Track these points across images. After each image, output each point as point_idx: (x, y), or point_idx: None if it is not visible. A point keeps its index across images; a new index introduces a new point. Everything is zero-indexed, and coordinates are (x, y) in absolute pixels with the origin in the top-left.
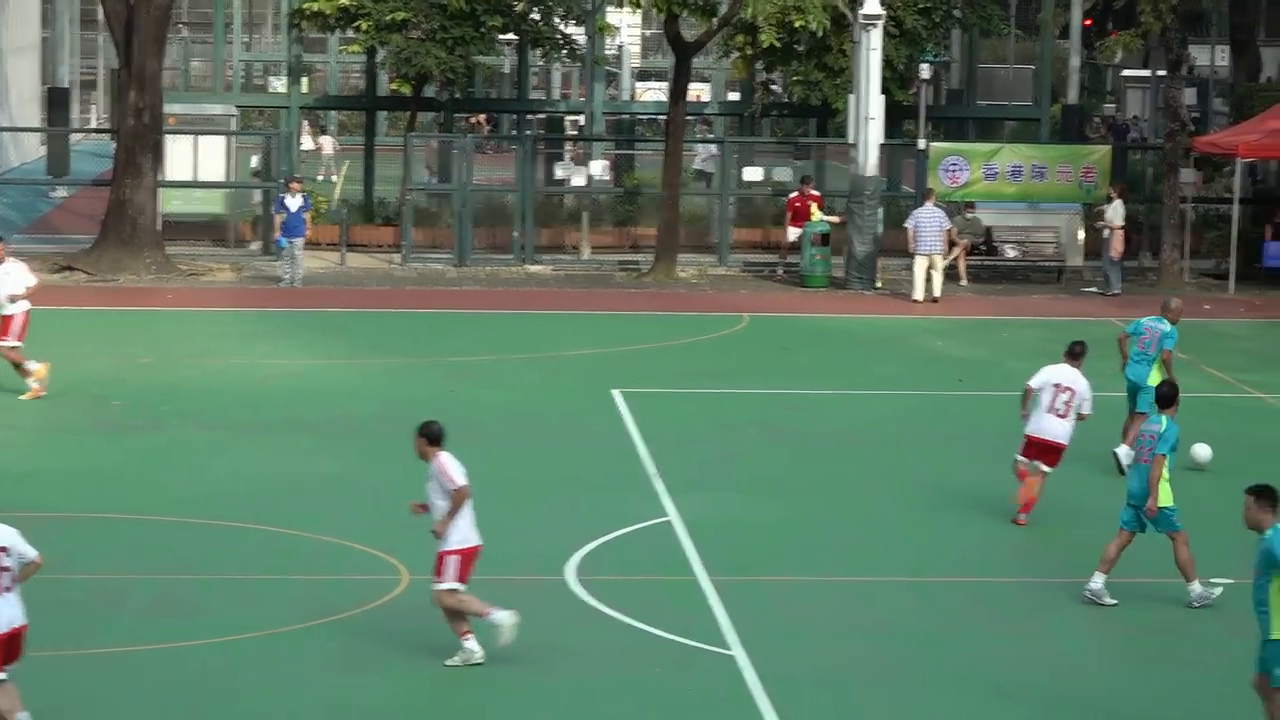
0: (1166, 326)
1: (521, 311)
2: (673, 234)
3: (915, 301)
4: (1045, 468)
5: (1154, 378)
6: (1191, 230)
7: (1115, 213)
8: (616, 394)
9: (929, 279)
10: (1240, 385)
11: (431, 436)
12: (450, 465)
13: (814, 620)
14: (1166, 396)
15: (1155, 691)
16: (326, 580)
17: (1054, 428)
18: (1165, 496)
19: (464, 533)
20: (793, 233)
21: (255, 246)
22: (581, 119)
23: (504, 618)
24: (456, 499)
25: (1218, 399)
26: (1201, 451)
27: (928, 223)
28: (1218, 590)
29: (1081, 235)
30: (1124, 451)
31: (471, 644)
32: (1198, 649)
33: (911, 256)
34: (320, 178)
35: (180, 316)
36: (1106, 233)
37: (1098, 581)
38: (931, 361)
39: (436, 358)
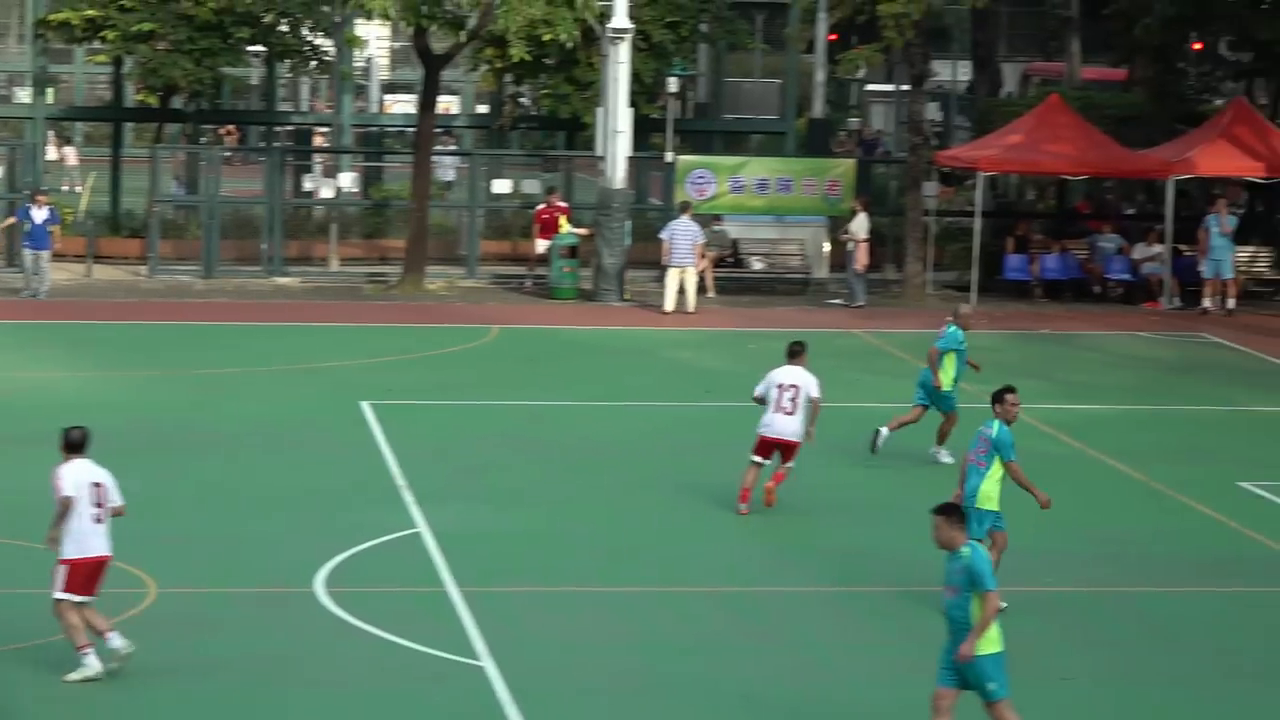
0: (951, 329)
1: (270, 324)
2: (421, 246)
3: (665, 313)
4: (786, 464)
5: (945, 381)
6: (934, 243)
7: (859, 225)
8: (365, 406)
9: (681, 291)
10: (983, 396)
11: (65, 443)
12: (62, 474)
13: (565, 630)
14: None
15: (905, 700)
16: None
17: (784, 425)
18: (994, 500)
19: (82, 543)
20: (541, 245)
21: None
22: (330, 131)
23: (120, 645)
24: (60, 508)
25: (962, 409)
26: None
27: (683, 235)
28: None
29: (827, 247)
30: (884, 433)
31: (91, 659)
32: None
33: (664, 268)
34: (65, 189)
35: None
36: (851, 245)
37: None
38: (680, 373)
39: (184, 370)
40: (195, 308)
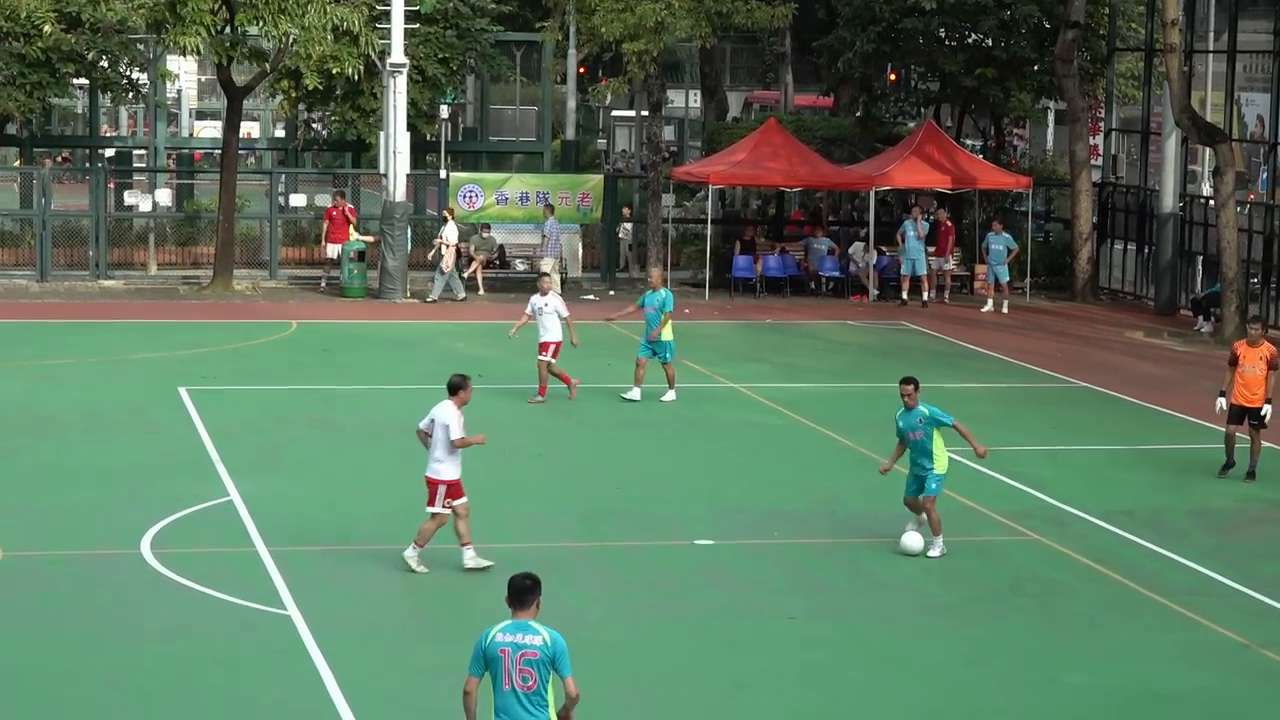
0: (662, 293)
1: (96, 321)
2: (229, 252)
3: (431, 302)
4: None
5: (666, 333)
6: (672, 246)
7: (450, 232)
8: (183, 391)
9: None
10: (715, 376)
11: None
12: None
13: (357, 582)
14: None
15: (640, 634)
16: None
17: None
18: (941, 463)
19: None
20: (333, 249)
21: None
22: (147, 152)
23: None
24: None
25: (700, 389)
26: (912, 541)
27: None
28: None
29: (580, 250)
30: (636, 393)
31: None
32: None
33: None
34: None
35: None
36: (444, 249)
37: (940, 541)
38: (454, 360)
39: (20, 362)
40: (31, 307)
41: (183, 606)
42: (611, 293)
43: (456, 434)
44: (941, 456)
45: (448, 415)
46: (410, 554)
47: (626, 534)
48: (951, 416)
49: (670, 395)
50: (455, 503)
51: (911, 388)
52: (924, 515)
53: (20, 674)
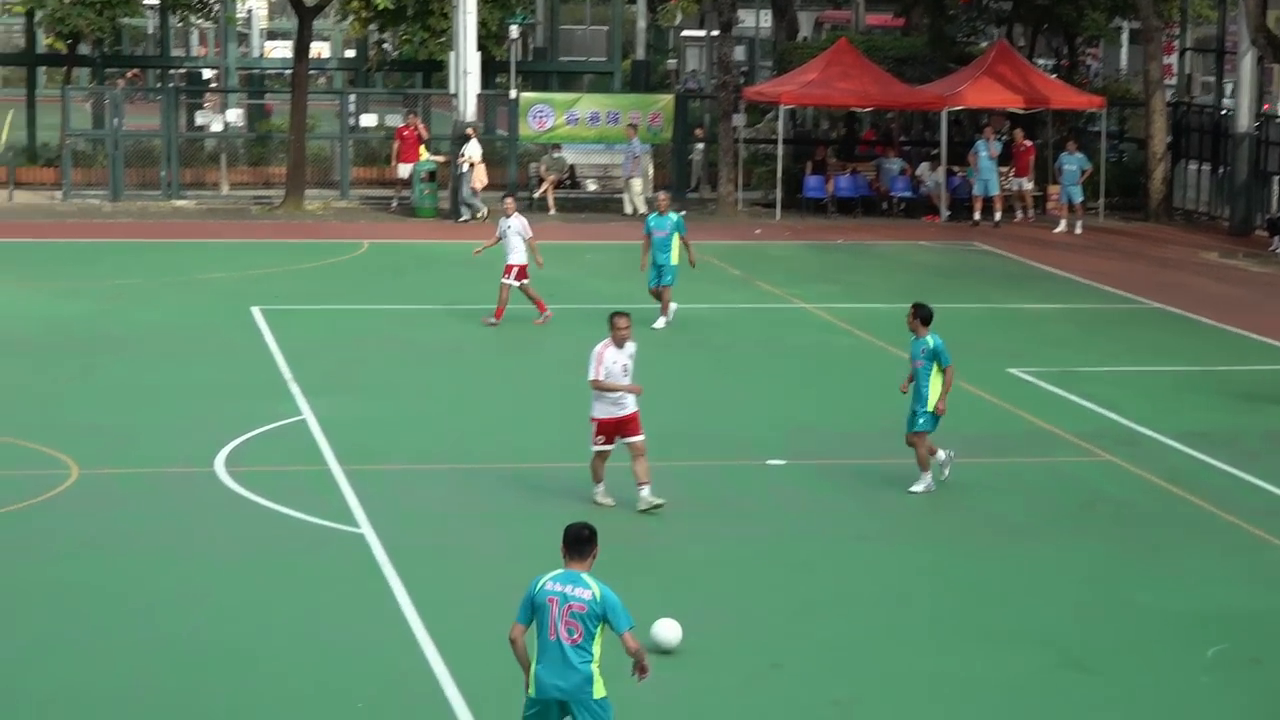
0: (673, 216)
1: (169, 241)
2: (300, 172)
3: (462, 222)
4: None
5: (674, 257)
6: (743, 167)
7: (474, 149)
8: (255, 311)
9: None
10: (785, 297)
11: None
12: None
13: (429, 502)
14: (927, 318)
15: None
16: (1, 476)
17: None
18: (934, 404)
19: None
20: (404, 169)
21: None
22: (218, 73)
23: None
24: None
25: (771, 309)
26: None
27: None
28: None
29: (651, 171)
30: (663, 323)
31: None
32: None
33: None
34: None
35: None
36: (466, 167)
37: (928, 477)
38: None
39: (94, 282)
40: (103, 227)
41: (256, 524)
42: (683, 213)
43: (590, 374)
44: (934, 397)
45: (591, 353)
46: (599, 489)
47: (697, 454)
48: (950, 360)
49: (661, 322)
50: (622, 440)
51: (911, 314)
52: (943, 454)
53: (95, 592)
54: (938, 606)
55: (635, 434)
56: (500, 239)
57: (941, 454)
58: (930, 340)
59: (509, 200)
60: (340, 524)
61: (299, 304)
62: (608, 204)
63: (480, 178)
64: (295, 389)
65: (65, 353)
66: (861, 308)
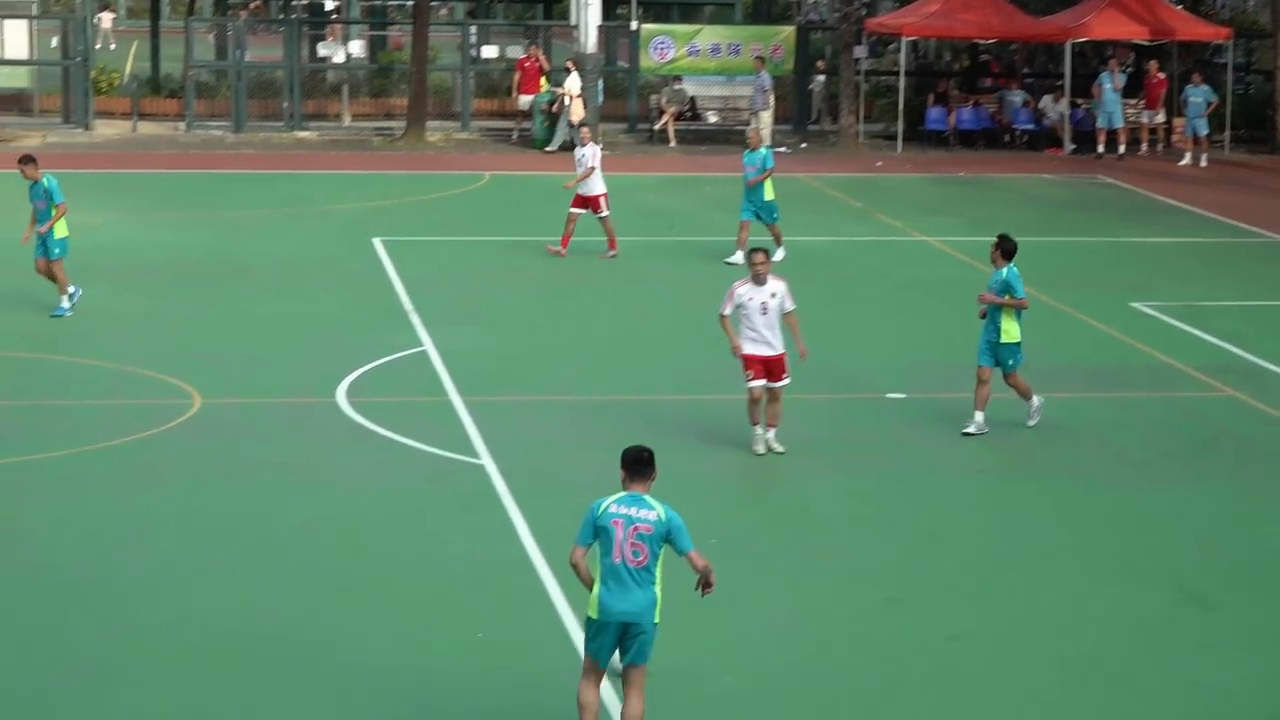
0: (762, 151)
1: (291, 172)
2: (421, 104)
3: (549, 152)
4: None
5: (768, 192)
6: (865, 98)
7: (573, 83)
8: (376, 242)
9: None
10: (909, 230)
11: None
12: None
13: (550, 432)
14: (1009, 251)
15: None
16: (126, 405)
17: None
18: (1010, 334)
19: None
20: (524, 101)
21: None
22: (340, 4)
23: None
24: None
25: (891, 241)
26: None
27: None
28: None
29: (771, 102)
30: (738, 257)
31: None
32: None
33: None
34: (98, 47)
35: None
36: (567, 100)
37: (979, 418)
38: (646, 213)
39: (217, 212)
40: (226, 158)
41: (377, 455)
42: (804, 145)
43: (720, 309)
44: (1011, 328)
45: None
46: (755, 434)
47: (817, 388)
48: (1022, 293)
49: (780, 254)
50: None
51: (995, 246)
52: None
53: (218, 519)
54: (1058, 541)
55: (779, 378)
56: (580, 169)
57: (1036, 400)
58: (1005, 272)
59: (584, 129)
60: (460, 455)
61: (420, 235)
62: (729, 136)
63: (577, 111)
64: (416, 320)
65: (188, 283)
66: (983, 241)
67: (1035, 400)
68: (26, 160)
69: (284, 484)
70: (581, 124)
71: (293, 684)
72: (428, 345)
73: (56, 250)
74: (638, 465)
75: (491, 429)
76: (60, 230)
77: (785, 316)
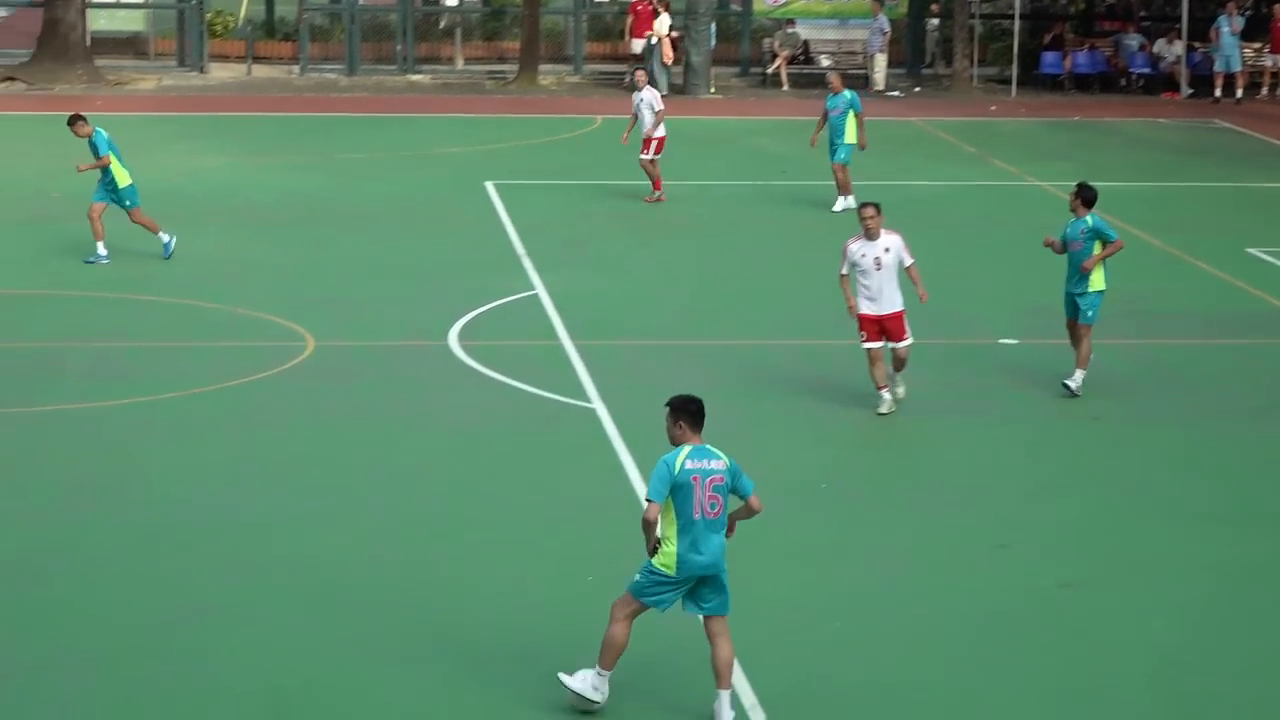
0: (847, 94)
1: (404, 115)
2: (534, 47)
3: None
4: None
5: (850, 135)
6: (979, 42)
7: (662, 24)
8: (489, 185)
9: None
10: (1023, 175)
11: None
12: None
13: (660, 376)
14: (1089, 199)
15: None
16: (240, 347)
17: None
18: (1097, 282)
19: None
20: (637, 44)
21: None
22: None
23: None
24: None
25: (1005, 186)
26: None
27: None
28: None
29: (887, 45)
30: (846, 202)
31: None
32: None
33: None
34: None
35: (109, 121)
36: (655, 40)
37: (1078, 378)
38: (758, 157)
39: (330, 155)
40: (339, 101)
41: (489, 398)
42: (917, 89)
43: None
44: (1098, 277)
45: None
46: (882, 398)
47: (929, 334)
48: (1116, 235)
49: (841, 203)
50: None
51: (1074, 194)
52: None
53: (331, 462)
54: (1172, 489)
55: (898, 338)
56: (635, 115)
57: (1079, 375)
58: (1090, 219)
59: (640, 73)
60: (572, 399)
61: (532, 179)
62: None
63: (668, 53)
64: (528, 264)
65: (301, 226)
66: (1098, 186)
67: (1079, 375)
68: (76, 120)
69: (397, 426)
70: (637, 68)
71: (402, 624)
72: (539, 289)
73: (127, 201)
74: (699, 417)
75: (602, 373)
76: (122, 179)
77: (906, 270)
